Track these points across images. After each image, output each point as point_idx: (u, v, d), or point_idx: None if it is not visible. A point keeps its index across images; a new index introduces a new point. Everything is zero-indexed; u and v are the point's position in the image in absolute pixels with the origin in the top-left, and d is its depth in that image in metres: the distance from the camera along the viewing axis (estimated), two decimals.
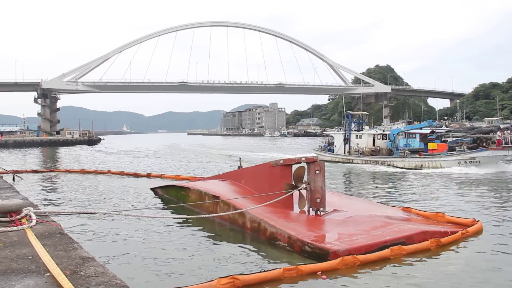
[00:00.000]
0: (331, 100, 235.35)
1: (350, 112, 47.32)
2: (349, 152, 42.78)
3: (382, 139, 41.39)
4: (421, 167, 35.08)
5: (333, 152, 45.20)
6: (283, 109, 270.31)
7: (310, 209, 13.63)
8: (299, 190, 13.96)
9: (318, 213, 13.49)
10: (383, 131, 43.36)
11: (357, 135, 42.83)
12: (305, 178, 14.13)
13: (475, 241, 11.86)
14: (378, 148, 40.73)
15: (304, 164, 14.20)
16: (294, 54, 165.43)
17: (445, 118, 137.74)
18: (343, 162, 41.78)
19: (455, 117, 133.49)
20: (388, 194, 22.50)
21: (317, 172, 13.64)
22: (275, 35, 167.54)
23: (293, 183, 14.26)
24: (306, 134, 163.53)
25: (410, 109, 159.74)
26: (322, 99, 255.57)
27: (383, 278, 9.09)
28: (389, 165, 37.37)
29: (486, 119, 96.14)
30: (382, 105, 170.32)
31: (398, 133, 41.71)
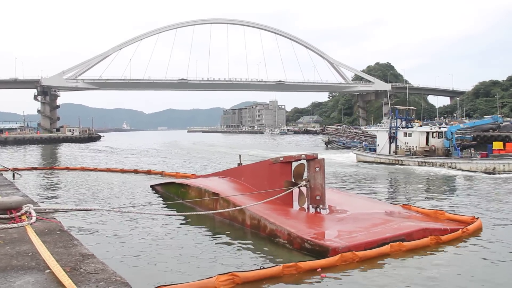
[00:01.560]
0: (331, 97, 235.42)
1: (396, 107, 41.92)
2: (395, 152, 37.77)
3: (438, 137, 36.04)
4: (493, 170, 30.25)
5: (375, 151, 40.43)
6: (283, 107, 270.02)
7: (310, 206, 13.65)
8: (299, 187, 13.97)
9: (318, 210, 13.50)
10: (439, 127, 37.99)
11: (406, 133, 37.51)
12: (305, 176, 14.15)
13: (474, 238, 11.89)
14: (433, 147, 35.36)
15: (304, 162, 14.21)
16: (294, 52, 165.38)
17: (445, 115, 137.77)
18: (389, 164, 36.99)
19: (455, 115, 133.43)
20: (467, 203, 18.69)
21: (317, 169, 13.65)
22: (275, 33, 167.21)
23: (293, 180, 14.28)
24: (307, 132, 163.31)
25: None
26: (322, 97, 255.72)
27: (382, 274, 9.11)
28: (450, 167, 32.61)
29: (486, 117, 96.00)
30: (382, 102, 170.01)
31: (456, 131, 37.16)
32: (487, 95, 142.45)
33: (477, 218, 13.26)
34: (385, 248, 10.12)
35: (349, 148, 61.07)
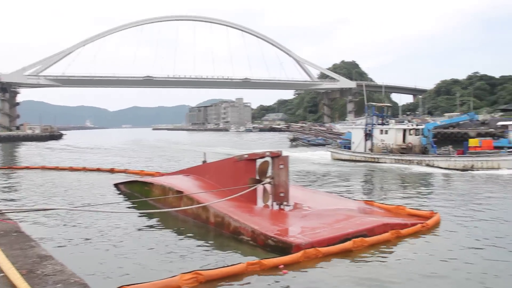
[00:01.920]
0: (296, 95, 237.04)
1: (372, 103, 40.56)
2: (371, 150, 36.84)
3: (415, 135, 35.43)
4: (471, 168, 29.98)
5: (350, 149, 38.92)
6: (249, 104, 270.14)
7: (274, 203, 13.73)
8: (263, 184, 14.02)
9: (282, 207, 13.59)
10: (417, 125, 37.28)
11: (383, 130, 36.54)
12: (269, 173, 14.21)
13: (432, 232, 12.28)
14: (410, 145, 34.67)
15: (268, 159, 14.27)
16: (260, 49, 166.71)
17: (408, 113, 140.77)
18: (365, 162, 36.06)
19: (417, 112, 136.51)
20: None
21: (281, 166, 13.74)
22: (242, 30, 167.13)
23: (258, 178, 14.32)
24: (272, 129, 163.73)
25: None
26: (288, 94, 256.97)
27: (344, 270, 9.26)
28: (428, 165, 31.99)
29: (446, 114, 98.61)
30: (346, 100, 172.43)
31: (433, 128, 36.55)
32: (448, 93, 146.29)
33: (436, 212, 13.69)
34: (348, 244, 10.28)
35: (314, 145, 61.73)
